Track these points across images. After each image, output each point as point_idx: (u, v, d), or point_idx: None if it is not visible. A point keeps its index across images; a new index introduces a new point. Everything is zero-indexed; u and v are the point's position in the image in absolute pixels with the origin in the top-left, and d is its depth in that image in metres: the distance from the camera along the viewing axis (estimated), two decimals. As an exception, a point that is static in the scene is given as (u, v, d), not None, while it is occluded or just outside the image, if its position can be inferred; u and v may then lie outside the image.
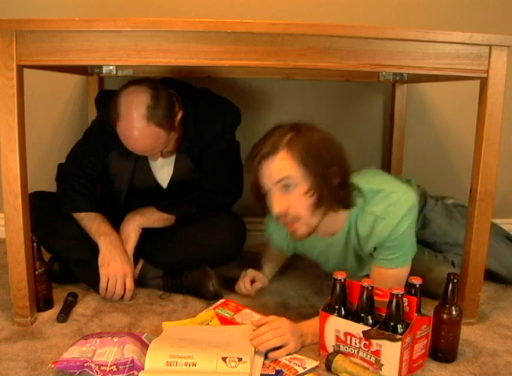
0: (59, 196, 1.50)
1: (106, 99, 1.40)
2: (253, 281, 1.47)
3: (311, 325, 1.17)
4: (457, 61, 1.18)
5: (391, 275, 1.21)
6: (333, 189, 1.15)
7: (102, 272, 1.39)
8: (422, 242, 1.51)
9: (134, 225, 1.45)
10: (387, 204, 1.18)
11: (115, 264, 1.39)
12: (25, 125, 1.18)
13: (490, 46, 1.16)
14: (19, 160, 1.16)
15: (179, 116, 1.42)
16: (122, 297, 1.41)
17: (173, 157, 1.52)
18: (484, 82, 1.20)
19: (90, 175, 1.51)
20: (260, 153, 1.14)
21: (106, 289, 1.40)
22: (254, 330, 1.16)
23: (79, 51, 1.12)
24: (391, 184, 1.25)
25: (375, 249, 1.24)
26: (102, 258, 1.40)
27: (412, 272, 1.25)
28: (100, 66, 1.35)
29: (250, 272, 1.48)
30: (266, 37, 1.11)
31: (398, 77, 1.63)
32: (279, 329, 1.14)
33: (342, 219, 1.24)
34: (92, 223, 1.43)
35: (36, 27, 1.11)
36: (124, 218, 1.47)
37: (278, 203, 1.14)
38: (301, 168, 1.12)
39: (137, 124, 1.30)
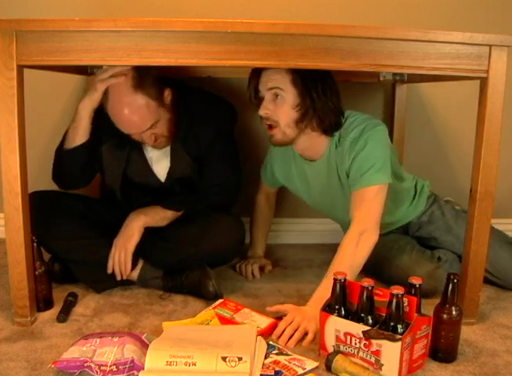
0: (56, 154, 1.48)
1: None
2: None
3: (317, 305, 1.17)
4: (457, 61, 1.18)
5: (362, 195, 1.33)
6: (316, 113, 1.34)
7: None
8: (425, 238, 1.62)
9: (138, 225, 1.44)
10: (361, 129, 1.36)
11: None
12: (25, 125, 1.18)
13: (490, 46, 1.16)
14: (19, 160, 1.16)
15: (168, 94, 1.42)
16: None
17: (168, 151, 1.51)
18: (484, 82, 1.20)
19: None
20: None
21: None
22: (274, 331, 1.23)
23: (79, 51, 1.11)
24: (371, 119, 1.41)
25: (348, 176, 1.38)
26: None
27: (401, 266, 1.47)
28: (100, 67, 1.35)
29: (260, 260, 1.68)
30: (266, 37, 1.11)
31: (398, 77, 1.63)
32: (294, 322, 1.21)
33: (322, 144, 1.42)
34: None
35: (36, 27, 1.11)
36: (128, 216, 1.47)
37: (264, 107, 1.34)
38: (293, 85, 1.31)
39: (125, 97, 1.32)
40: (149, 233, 1.47)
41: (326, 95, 1.33)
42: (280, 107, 1.33)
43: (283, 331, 1.20)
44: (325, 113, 1.35)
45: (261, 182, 1.74)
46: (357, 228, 1.31)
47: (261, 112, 1.35)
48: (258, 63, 1.15)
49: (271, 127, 1.37)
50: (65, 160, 1.44)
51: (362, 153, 1.34)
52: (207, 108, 1.51)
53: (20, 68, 1.14)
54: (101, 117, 1.40)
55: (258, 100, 1.37)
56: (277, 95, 1.33)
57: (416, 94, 1.94)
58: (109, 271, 1.45)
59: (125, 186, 1.56)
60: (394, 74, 1.64)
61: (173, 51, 1.12)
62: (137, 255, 1.47)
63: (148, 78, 1.35)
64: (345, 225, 1.56)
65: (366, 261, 1.30)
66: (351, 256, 1.28)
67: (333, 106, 1.36)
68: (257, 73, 1.36)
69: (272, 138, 1.39)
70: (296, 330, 1.20)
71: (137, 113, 1.34)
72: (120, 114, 1.34)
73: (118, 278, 1.46)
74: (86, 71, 1.52)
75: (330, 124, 1.38)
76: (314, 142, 1.42)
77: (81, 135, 1.39)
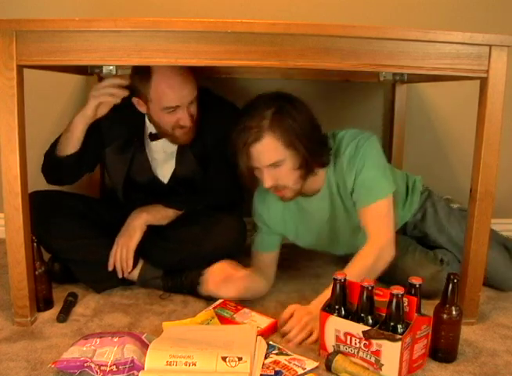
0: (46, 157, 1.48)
1: None
2: None
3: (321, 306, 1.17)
4: (457, 61, 1.18)
5: (374, 211, 1.32)
6: (314, 157, 1.29)
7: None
8: (420, 237, 1.61)
9: (140, 223, 1.45)
10: (355, 145, 1.33)
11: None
12: (25, 125, 1.18)
13: (490, 46, 1.16)
14: (19, 160, 1.16)
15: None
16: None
17: (174, 153, 1.52)
18: (484, 82, 1.20)
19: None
20: (245, 138, 1.25)
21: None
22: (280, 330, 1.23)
23: (79, 51, 1.12)
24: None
25: (352, 195, 1.35)
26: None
27: (403, 267, 1.43)
28: (100, 66, 1.34)
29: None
30: (266, 37, 1.12)
31: (398, 77, 1.63)
32: (303, 322, 1.21)
33: (321, 176, 1.38)
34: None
35: (36, 27, 1.11)
36: (131, 214, 1.47)
37: (268, 179, 1.28)
38: (287, 149, 1.25)
39: (176, 70, 1.35)
40: (149, 232, 1.47)
41: (312, 134, 1.28)
42: (283, 173, 1.28)
43: (290, 328, 1.21)
44: (319, 153, 1.31)
45: (253, 255, 1.51)
46: (374, 244, 1.29)
47: (267, 185, 1.28)
48: (258, 63, 1.15)
49: (278, 189, 1.32)
50: (54, 165, 1.45)
51: (363, 170, 1.31)
52: (214, 111, 1.51)
53: (20, 68, 1.14)
54: (102, 124, 1.41)
55: (252, 173, 1.32)
56: (276, 164, 1.27)
57: (416, 94, 1.94)
58: (111, 268, 1.45)
59: (128, 187, 1.57)
60: (394, 74, 1.64)
61: (173, 51, 1.12)
62: (138, 255, 1.47)
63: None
64: (348, 257, 1.50)
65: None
66: (366, 268, 1.25)
67: (320, 139, 1.32)
68: (241, 150, 1.26)
69: (284, 197, 1.35)
70: (303, 329, 1.21)
71: (188, 81, 1.38)
72: (174, 78, 1.35)
73: (119, 275, 1.46)
74: (86, 71, 1.52)
75: (326, 158, 1.34)
76: (314, 179, 1.37)
77: (73, 144, 1.40)
